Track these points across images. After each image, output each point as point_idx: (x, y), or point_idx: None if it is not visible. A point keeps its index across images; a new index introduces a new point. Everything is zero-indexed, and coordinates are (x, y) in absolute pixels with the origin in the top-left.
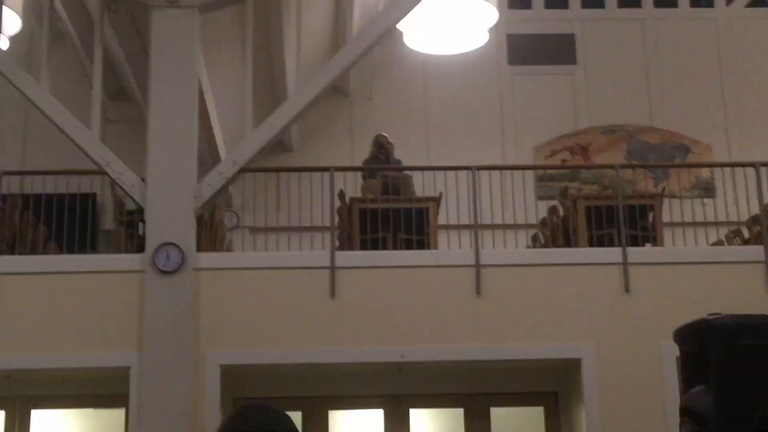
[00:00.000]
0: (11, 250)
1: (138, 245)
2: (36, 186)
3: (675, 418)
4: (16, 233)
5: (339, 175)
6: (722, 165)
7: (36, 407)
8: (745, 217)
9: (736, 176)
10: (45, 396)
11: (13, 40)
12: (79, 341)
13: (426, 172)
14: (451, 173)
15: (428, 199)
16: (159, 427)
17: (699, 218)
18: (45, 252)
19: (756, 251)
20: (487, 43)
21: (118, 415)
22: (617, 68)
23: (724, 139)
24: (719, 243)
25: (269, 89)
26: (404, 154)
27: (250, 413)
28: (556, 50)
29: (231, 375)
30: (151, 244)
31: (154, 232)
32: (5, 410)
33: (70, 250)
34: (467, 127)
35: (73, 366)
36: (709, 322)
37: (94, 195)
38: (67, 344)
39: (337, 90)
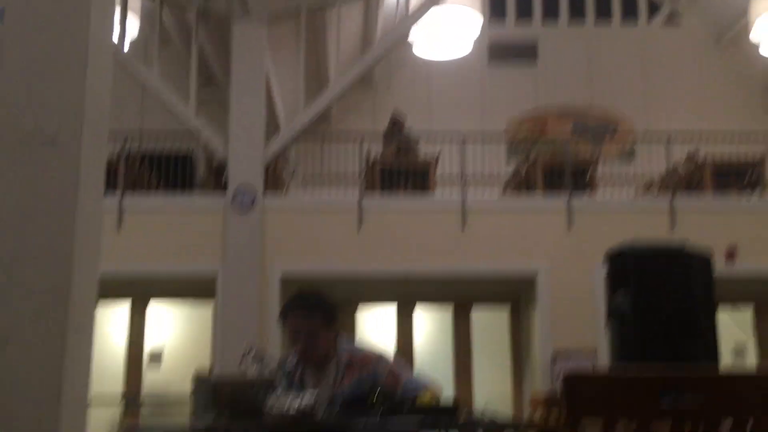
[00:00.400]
0: (132, 192)
1: (222, 189)
2: (150, 146)
3: (602, 317)
4: (136, 179)
5: (365, 142)
6: (639, 136)
7: (151, 301)
8: (656, 175)
9: (651, 144)
10: (157, 293)
11: (132, 43)
12: (181, 256)
13: (429, 139)
14: (446, 140)
15: (429, 159)
16: (236, 315)
17: (624, 175)
18: (156, 193)
19: (663, 201)
20: (472, 49)
21: (208, 307)
22: (567, 66)
23: (644, 118)
24: (640, 193)
25: (315, 78)
26: (413, 127)
27: (306, 291)
28: (523, 53)
29: (286, 281)
30: (231, 189)
31: (233, 180)
32: (131, 302)
33: (174, 192)
34: (458, 108)
35: (177, 272)
36: (629, 248)
37: (191, 153)
38: (173, 258)
39: (364, 80)
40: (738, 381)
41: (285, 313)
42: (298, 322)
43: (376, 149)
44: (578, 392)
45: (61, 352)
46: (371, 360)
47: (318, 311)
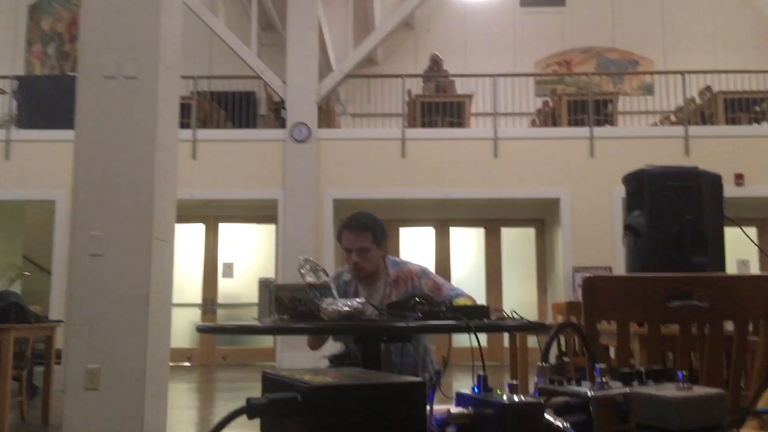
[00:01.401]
0: (203, 126)
1: (281, 125)
2: (217, 86)
3: (619, 237)
4: (206, 115)
5: (408, 80)
6: (659, 72)
7: (222, 222)
8: (673, 108)
9: (668, 80)
10: (227, 215)
11: None
12: (247, 182)
13: (463, 78)
14: (480, 79)
15: (464, 95)
16: (295, 234)
17: (642, 109)
18: (224, 127)
19: (679, 130)
20: None
21: (271, 227)
22: (593, 9)
23: (662, 56)
24: (654, 125)
25: (363, 23)
26: (450, 66)
27: (360, 213)
28: None
29: (339, 205)
30: (289, 123)
31: (291, 115)
32: (204, 224)
33: (240, 127)
34: (491, 48)
35: (244, 197)
36: (645, 170)
37: (254, 92)
38: (240, 183)
39: (406, 24)
40: (741, 283)
41: (340, 232)
42: (351, 239)
43: (417, 86)
44: (596, 293)
45: (148, 262)
46: (416, 274)
47: (369, 231)
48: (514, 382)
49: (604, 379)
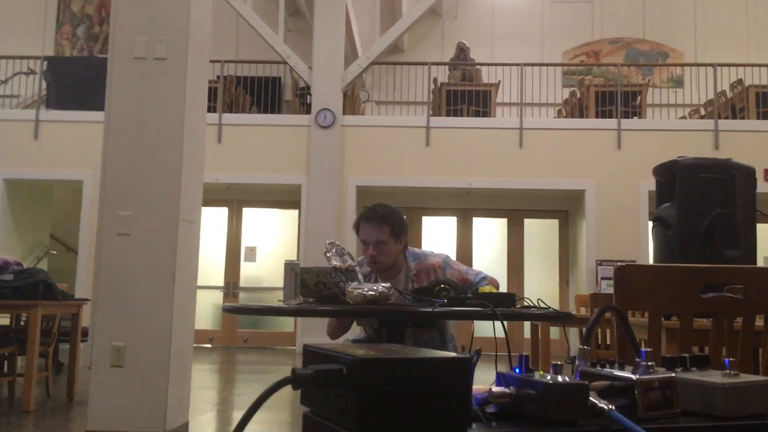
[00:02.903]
0: (229, 110)
1: (306, 109)
2: (244, 70)
3: (644, 231)
4: (232, 100)
5: (434, 68)
6: (689, 65)
7: (245, 206)
8: (703, 101)
9: (699, 73)
10: (251, 200)
11: None
12: (271, 167)
13: (490, 67)
14: (507, 68)
15: (490, 84)
16: (318, 220)
17: (672, 102)
18: (250, 112)
19: (708, 123)
20: None
21: (294, 213)
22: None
23: (693, 48)
24: (684, 118)
25: (390, 10)
26: (476, 54)
27: (379, 205)
28: None
29: (362, 192)
30: (314, 109)
31: (316, 101)
32: (227, 207)
33: (265, 112)
34: (518, 38)
35: (268, 182)
36: (678, 161)
37: (279, 77)
38: (264, 168)
39: (434, 11)
40: None
41: (358, 224)
42: (368, 232)
43: (443, 74)
44: (627, 283)
45: (174, 243)
46: (438, 266)
47: (387, 224)
48: (558, 362)
49: (649, 363)
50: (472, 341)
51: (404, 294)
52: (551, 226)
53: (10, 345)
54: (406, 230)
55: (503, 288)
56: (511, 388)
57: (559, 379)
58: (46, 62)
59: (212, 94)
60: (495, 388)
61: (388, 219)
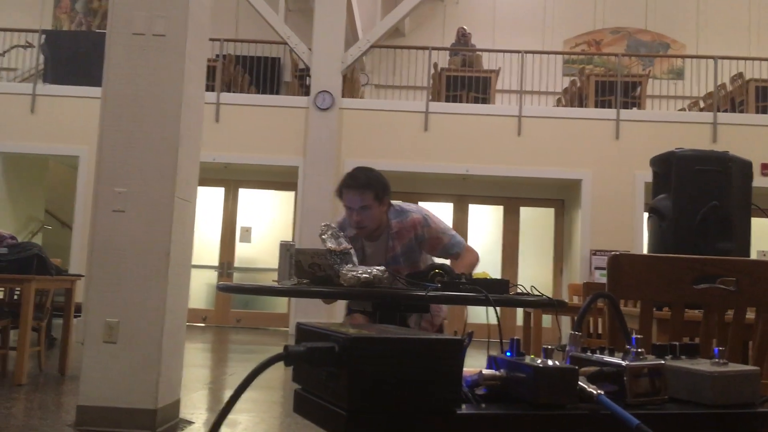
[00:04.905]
0: (228, 90)
1: (305, 91)
2: (243, 49)
3: (639, 222)
4: (231, 79)
5: (434, 53)
6: (690, 57)
7: (242, 187)
8: (702, 94)
9: (700, 65)
10: (247, 180)
11: None
12: (268, 147)
13: (490, 54)
14: (507, 55)
15: (490, 71)
16: (314, 203)
17: (671, 93)
18: (248, 92)
19: (707, 116)
20: None
21: (290, 194)
22: None
23: (694, 39)
24: (683, 110)
25: None
26: (477, 41)
27: (360, 169)
28: None
29: None
30: (313, 91)
31: (315, 83)
32: (224, 187)
33: (264, 92)
34: (519, 25)
35: (265, 163)
36: (675, 152)
37: (279, 58)
38: (261, 149)
39: None
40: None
41: (340, 190)
42: (352, 198)
43: (443, 59)
44: (621, 271)
45: (169, 221)
46: (418, 223)
47: (370, 188)
48: (549, 346)
49: (639, 350)
50: (465, 327)
51: (399, 278)
52: (547, 214)
53: (2, 318)
54: (389, 192)
55: (496, 275)
56: (502, 371)
57: (549, 363)
58: (44, 36)
59: (211, 72)
60: (486, 371)
61: (371, 184)
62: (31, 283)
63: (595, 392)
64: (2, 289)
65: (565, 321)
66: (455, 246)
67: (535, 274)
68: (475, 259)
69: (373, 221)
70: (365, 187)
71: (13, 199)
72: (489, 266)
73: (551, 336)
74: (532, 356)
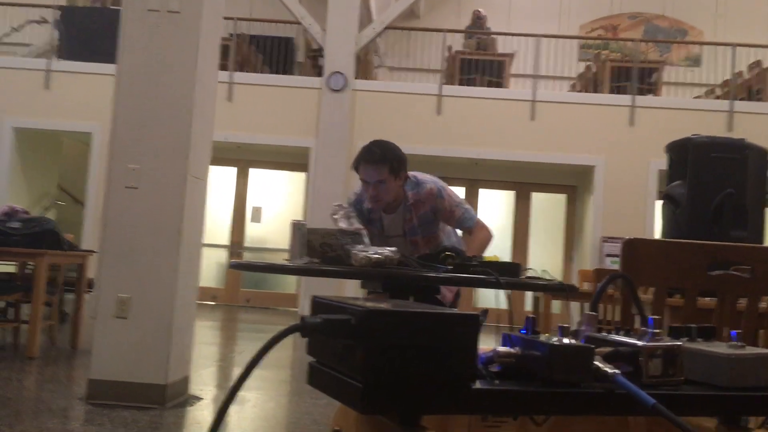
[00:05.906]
0: (241, 69)
1: (318, 72)
2: (257, 29)
3: (651, 210)
4: (244, 58)
5: (448, 36)
6: (708, 44)
7: (253, 167)
8: (719, 81)
9: (717, 52)
10: (259, 161)
11: None
12: (281, 128)
13: (506, 37)
14: (522, 39)
15: (505, 54)
16: (326, 184)
17: (688, 80)
18: (261, 71)
19: (723, 104)
20: None
21: (301, 175)
22: None
23: (713, 26)
24: (699, 97)
25: None
26: (492, 24)
27: (376, 143)
28: None
29: None
30: (326, 72)
31: (329, 64)
32: (236, 167)
33: (277, 72)
34: (535, 8)
35: (277, 143)
36: (691, 139)
37: (292, 38)
38: (274, 130)
39: None
40: None
41: (357, 164)
42: (368, 172)
43: (458, 42)
44: (636, 256)
45: (181, 198)
46: (432, 196)
47: (386, 162)
48: (565, 324)
49: (656, 331)
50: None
51: (410, 260)
52: (558, 200)
53: (15, 292)
54: (405, 166)
55: (506, 260)
56: (517, 348)
57: (565, 341)
58: (59, 12)
59: (224, 51)
60: (500, 348)
61: (387, 158)
62: (44, 258)
63: (611, 371)
64: (15, 263)
65: (575, 307)
66: (467, 221)
67: (545, 260)
68: (487, 237)
69: (389, 195)
70: (381, 161)
71: (26, 175)
72: (499, 251)
73: (561, 322)
74: (547, 335)
